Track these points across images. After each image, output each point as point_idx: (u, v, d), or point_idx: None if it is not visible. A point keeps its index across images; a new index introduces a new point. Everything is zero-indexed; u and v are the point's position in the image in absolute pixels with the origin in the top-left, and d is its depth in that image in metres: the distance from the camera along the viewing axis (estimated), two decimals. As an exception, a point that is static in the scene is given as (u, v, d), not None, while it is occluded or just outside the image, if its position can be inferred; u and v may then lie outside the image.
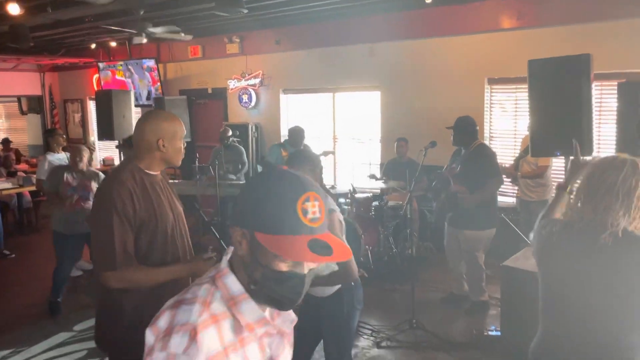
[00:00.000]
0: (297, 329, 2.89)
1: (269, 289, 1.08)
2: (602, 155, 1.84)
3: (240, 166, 7.10)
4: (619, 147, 3.60)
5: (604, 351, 1.69)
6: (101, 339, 2.34)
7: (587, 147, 3.18)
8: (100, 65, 10.02)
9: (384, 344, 4.20)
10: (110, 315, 2.26)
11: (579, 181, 1.87)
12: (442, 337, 4.22)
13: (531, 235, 2.01)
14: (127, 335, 2.19)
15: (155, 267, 2.17)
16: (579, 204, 1.77)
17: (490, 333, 4.20)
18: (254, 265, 1.08)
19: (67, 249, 4.94)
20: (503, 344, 3.72)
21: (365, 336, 4.36)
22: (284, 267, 1.06)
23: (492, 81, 6.49)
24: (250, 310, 1.10)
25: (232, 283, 1.11)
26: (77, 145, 5.12)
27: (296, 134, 6.15)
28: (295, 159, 2.78)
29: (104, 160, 10.68)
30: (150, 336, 1.09)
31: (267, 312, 1.17)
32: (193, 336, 1.03)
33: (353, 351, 4.10)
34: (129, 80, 9.69)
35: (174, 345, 1.02)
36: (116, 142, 6.24)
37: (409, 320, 4.39)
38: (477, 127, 4.73)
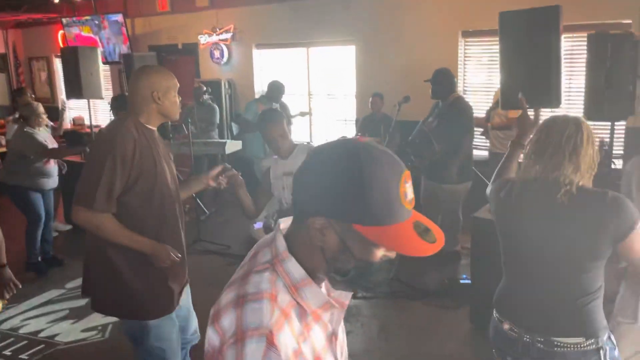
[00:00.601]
0: None
1: (362, 280, 1.00)
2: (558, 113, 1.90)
3: (211, 126, 7.01)
4: (588, 98, 3.65)
5: (560, 301, 1.77)
6: (90, 291, 2.37)
7: (555, 99, 3.22)
8: (64, 21, 9.64)
9: (359, 295, 4.32)
10: (99, 269, 2.29)
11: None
12: (416, 287, 4.37)
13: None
14: (116, 289, 2.26)
15: (125, 229, 2.17)
16: (531, 164, 1.83)
17: (461, 281, 4.36)
18: (343, 258, 0.97)
19: (37, 206, 4.91)
20: (473, 291, 3.86)
21: (342, 288, 4.48)
22: (379, 255, 0.97)
23: (466, 34, 6.46)
24: (314, 295, 1.02)
25: (294, 268, 1.00)
26: (31, 102, 5.11)
27: (276, 88, 6.05)
28: (272, 117, 2.89)
29: (74, 120, 10.43)
30: (214, 336, 0.99)
31: (323, 287, 1.07)
32: (271, 341, 0.92)
33: (330, 303, 4.23)
34: (97, 37, 9.37)
35: (250, 354, 0.91)
36: (84, 101, 6.09)
37: (383, 271, 4.51)
38: (455, 80, 4.75)
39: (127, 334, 2.41)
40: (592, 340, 1.73)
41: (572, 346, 1.72)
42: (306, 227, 0.98)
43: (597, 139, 1.83)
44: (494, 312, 1.94)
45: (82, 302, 4.28)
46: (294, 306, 1.00)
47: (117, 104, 5.04)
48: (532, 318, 1.80)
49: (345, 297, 1.09)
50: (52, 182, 5.02)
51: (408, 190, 0.94)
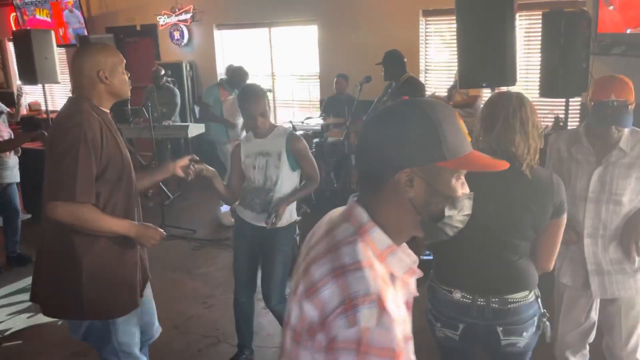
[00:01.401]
0: (246, 265, 3.06)
1: (454, 220, 1.06)
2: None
3: (173, 108, 6.87)
4: (543, 75, 3.73)
5: (507, 264, 1.90)
6: (41, 294, 2.19)
7: (511, 77, 3.29)
8: (15, 2, 9.25)
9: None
10: (59, 270, 2.11)
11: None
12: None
13: None
14: (79, 292, 2.08)
15: (106, 215, 2.06)
16: (481, 140, 1.90)
17: (424, 257, 4.45)
18: (435, 200, 1.04)
19: (13, 194, 4.72)
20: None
21: (308, 268, 4.52)
22: (461, 191, 1.06)
23: (427, 13, 6.49)
24: (398, 261, 1.06)
25: (379, 236, 1.04)
26: None
27: (240, 75, 5.91)
28: (253, 94, 2.83)
29: (30, 106, 10.09)
30: (311, 310, 0.99)
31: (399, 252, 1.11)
32: (382, 306, 0.94)
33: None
34: (55, 20, 9.03)
35: (364, 319, 0.92)
36: (39, 86, 5.89)
37: (349, 251, 4.58)
38: (405, 60, 4.79)
39: (89, 337, 2.25)
40: (533, 291, 1.92)
41: (521, 300, 1.88)
42: (389, 188, 1.04)
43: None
44: (437, 284, 2.00)
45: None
46: (386, 273, 1.04)
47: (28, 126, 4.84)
48: (484, 282, 1.90)
49: (414, 258, 1.13)
50: (10, 175, 4.65)
51: (463, 124, 1.06)
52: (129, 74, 2.22)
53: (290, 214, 2.99)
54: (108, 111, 2.20)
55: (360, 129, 4.86)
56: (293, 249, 3.12)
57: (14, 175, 4.69)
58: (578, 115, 5.34)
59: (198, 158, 2.52)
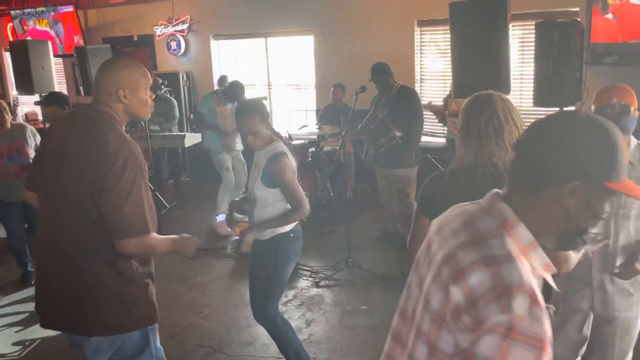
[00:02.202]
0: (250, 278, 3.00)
1: (589, 236, 1.12)
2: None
3: (171, 120, 6.88)
4: (537, 85, 3.76)
5: None
6: (80, 321, 2.06)
7: (505, 86, 3.32)
8: (13, 13, 9.29)
9: (322, 283, 4.38)
10: (101, 290, 2.02)
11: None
12: (377, 273, 4.45)
13: None
14: (121, 303, 2.04)
15: (157, 235, 2.03)
16: (462, 152, 1.86)
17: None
18: (587, 216, 1.09)
19: (12, 216, 4.45)
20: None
21: (305, 277, 4.52)
22: (606, 212, 1.11)
23: (422, 23, 6.55)
24: (538, 257, 1.11)
25: (524, 232, 1.10)
26: None
27: (236, 89, 5.92)
28: (246, 112, 2.77)
29: (26, 115, 10.09)
30: (458, 293, 1.04)
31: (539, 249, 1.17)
32: (534, 297, 1.00)
33: (292, 292, 4.26)
34: (52, 31, 9.07)
35: (517, 307, 0.97)
36: (36, 97, 5.91)
37: (345, 259, 4.58)
38: (391, 69, 4.83)
39: (124, 353, 2.14)
40: None
41: None
42: (549, 194, 1.07)
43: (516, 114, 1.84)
44: None
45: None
46: (530, 268, 1.09)
47: (46, 101, 4.43)
48: None
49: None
50: (11, 193, 4.27)
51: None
52: (152, 95, 2.13)
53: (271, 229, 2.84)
54: (122, 128, 2.11)
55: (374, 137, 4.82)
56: (282, 261, 2.88)
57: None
58: (572, 124, 5.37)
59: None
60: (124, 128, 2.09)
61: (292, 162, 2.80)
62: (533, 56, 3.73)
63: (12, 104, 5.94)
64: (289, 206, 2.80)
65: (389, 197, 5.02)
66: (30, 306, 4.22)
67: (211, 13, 7.94)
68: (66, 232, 2.02)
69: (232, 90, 5.80)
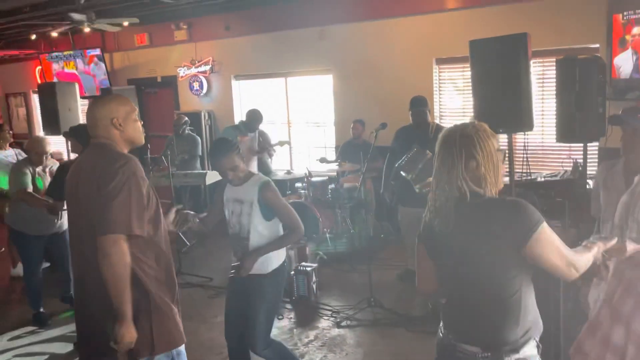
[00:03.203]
0: (235, 311, 3.04)
1: None
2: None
3: (194, 158, 6.96)
4: (559, 121, 3.73)
5: (486, 310, 1.82)
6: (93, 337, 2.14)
7: (527, 123, 3.30)
8: (42, 57, 9.63)
9: (343, 323, 4.29)
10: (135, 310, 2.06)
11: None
12: (400, 313, 4.35)
13: None
14: (155, 325, 2.13)
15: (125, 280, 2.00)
16: (435, 186, 1.86)
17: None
18: None
19: (33, 251, 4.45)
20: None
21: (326, 317, 4.44)
22: None
23: (440, 61, 6.60)
24: None
25: None
26: (37, 136, 4.61)
27: (253, 117, 6.01)
28: (222, 151, 2.84)
29: (52, 155, 10.31)
30: None
31: None
32: None
33: (313, 332, 4.19)
34: (80, 73, 9.36)
35: None
36: (61, 137, 6.04)
37: (367, 299, 4.49)
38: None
39: None
40: (490, 354, 1.78)
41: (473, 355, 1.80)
42: None
43: (494, 143, 1.80)
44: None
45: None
46: None
47: (73, 132, 4.41)
48: (457, 323, 1.89)
49: None
50: (44, 227, 4.39)
51: None
52: (142, 122, 2.29)
53: (269, 262, 2.93)
54: None
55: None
56: (280, 293, 3.09)
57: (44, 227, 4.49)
58: (597, 160, 5.30)
59: (181, 206, 2.65)
60: None
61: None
62: (553, 92, 3.73)
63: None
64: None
65: (415, 236, 4.85)
66: (51, 347, 4.21)
67: (232, 55, 8.13)
68: (89, 267, 2.07)
69: (252, 119, 5.89)
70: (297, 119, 8.05)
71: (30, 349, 4.19)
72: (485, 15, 5.99)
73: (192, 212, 2.75)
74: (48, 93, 5.90)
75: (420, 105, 4.61)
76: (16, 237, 4.47)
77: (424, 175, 4.29)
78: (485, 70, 3.40)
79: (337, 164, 6.40)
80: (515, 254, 1.72)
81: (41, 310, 4.56)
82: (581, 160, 4.11)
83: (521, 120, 3.26)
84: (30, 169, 4.35)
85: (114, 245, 1.95)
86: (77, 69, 9.36)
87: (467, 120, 6.02)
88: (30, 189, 4.29)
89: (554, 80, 3.72)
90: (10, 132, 6.32)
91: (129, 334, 2.02)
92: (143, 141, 2.29)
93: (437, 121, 6.68)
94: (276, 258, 2.97)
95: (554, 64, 3.73)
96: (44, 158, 4.41)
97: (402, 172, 4.19)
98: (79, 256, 2.17)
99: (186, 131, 7.07)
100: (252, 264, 2.84)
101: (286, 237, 2.95)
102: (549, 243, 1.72)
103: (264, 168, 6.75)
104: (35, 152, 4.39)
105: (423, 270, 2.03)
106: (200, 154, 7.13)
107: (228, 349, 3.16)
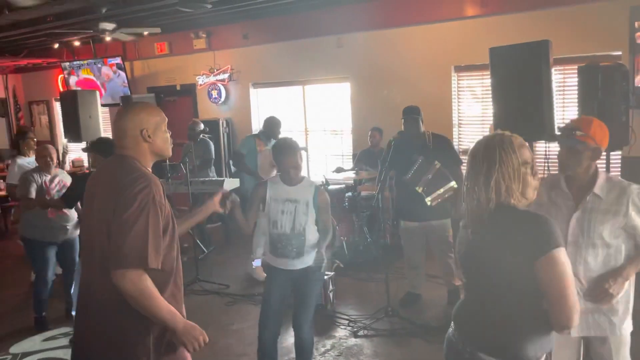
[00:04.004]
0: (278, 299, 3.28)
1: None
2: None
3: (207, 162, 6.98)
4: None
5: (508, 324, 1.79)
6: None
7: (549, 131, 3.25)
8: (64, 65, 9.81)
9: (360, 333, 4.25)
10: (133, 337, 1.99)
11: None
12: (418, 323, 4.29)
13: None
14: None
15: (164, 300, 1.94)
16: (465, 190, 1.87)
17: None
18: None
19: (44, 258, 4.48)
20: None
21: (342, 326, 4.40)
22: None
23: (459, 69, 6.56)
24: None
25: None
26: (42, 147, 4.65)
27: (273, 125, 6.02)
28: (282, 150, 3.12)
29: (73, 162, 10.48)
30: None
31: None
32: None
33: (330, 342, 4.16)
34: (99, 81, 9.51)
35: None
36: (84, 144, 6.12)
37: (384, 308, 4.45)
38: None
39: None
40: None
41: None
42: None
43: (524, 153, 1.79)
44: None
45: None
46: None
47: (94, 147, 4.37)
48: (477, 332, 1.87)
49: None
50: (52, 234, 4.47)
51: None
52: (170, 133, 2.20)
53: (317, 255, 3.20)
54: (150, 169, 2.15)
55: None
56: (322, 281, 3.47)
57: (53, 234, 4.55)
58: (619, 169, 5.20)
59: (227, 190, 2.72)
60: (150, 169, 2.12)
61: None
62: (575, 100, 3.67)
63: (61, 151, 6.14)
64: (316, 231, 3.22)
65: (420, 253, 4.73)
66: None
67: (251, 63, 8.19)
68: (96, 275, 2.03)
69: (271, 126, 5.91)
70: (315, 126, 8.06)
71: (48, 354, 4.22)
72: (505, 23, 5.94)
73: (236, 197, 2.73)
74: (69, 101, 5.98)
75: (414, 113, 4.48)
76: (28, 244, 4.53)
77: (434, 187, 4.18)
78: (505, 77, 3.36)
79: (355, 172, 6.38)
80: (533, 269, 1.70)
81: (43, 314, 4.63)
82: (603, 169, 4.03)
83: (542, 128, 3.22)
84: (37, 178, 4.43)
85: (130, 281, 1.86)
86: (97, 77, 9.51)
87: (485, 128, 5.97)
88: (32, 196, 4.37)
89: (575, 88, 3.66)
90: (35, 139, 6.41)
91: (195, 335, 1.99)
92: (170, 153, 2.20)
93: (455, 129, 6.65)
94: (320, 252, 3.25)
95: (575, 71, 3.67)
96: (50, 163, 4.48)
97: (416, 188, 4.09)
98: (87, 264, 2.11)
99: (202, 137, 7.07)
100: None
101: (324, 236, 3.22)
102: (561, 272, 1.67)
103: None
104: (40, 156, 4.52)
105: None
106: (212, 157, 7.12)
107: (261, 341, 3.25)
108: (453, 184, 4.14)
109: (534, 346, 1.77)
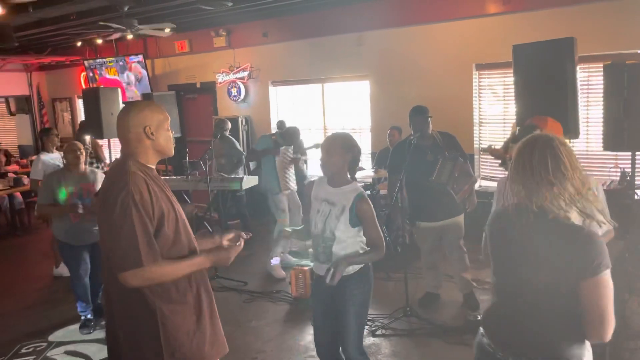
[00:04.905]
0: (322, 316, 3.00)
1: None
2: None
3: (235, 160, 6.99)
4: (606, 129, 3.61)
5: (544, 328, 1.75)
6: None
7: (574, 130, 3.20)
8: (86, 63, 9.95)
9: (379, 332, 4.23)
10: (146, 331, 2.04)
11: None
12: (436, 324, 4.26)
13: None
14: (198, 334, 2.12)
15: (176, 261, 2.04)
16: (510, 190, 1.79)
17: (479, 317, 4.23)
18: None
19: (78, 260, 4.43)
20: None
21: (360, 325, 4.38)
22: None
23: (480, 67, 6.49)
24: None
25: None
26: (71, 142, 4.55)
27: (292, 134, 6.02)
28: (329, 147, 2.87)
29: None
30: None
31: None
32: None
33: (348, 340, 4.13)
34: (121, 79, 9.62)
35: None
36: (105, 140, 6.21)
37: (403, 308, 4.42)
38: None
39: None
40: None
41: None
42: None
43: (575, 160, 1.73)
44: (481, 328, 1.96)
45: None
46: None
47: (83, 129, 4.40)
48: (510, 338, 1.82)
49: None
50: (80, 237, 4.38)
51: None
52: (173, 132, 2.22)
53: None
54: (154, 167, 2.18)
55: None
56: (368, 295, 2.95)
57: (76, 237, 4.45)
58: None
59: (242, 234, 2.45)
60: (154, 167, 2.16)
61: None
62: (599, 99, 3.60)
63: (86, 148, 6.15)
64: (362, 244, 2.88)
65: (435, 254, 4.69)
66: (88, 347, 4.30)
67: (270, 61, 8.20)
68: (109, 277, 2.09)
69: (289, 135, 5.93)
70: (334, 124, 8.04)
71: (68, 348, 4.29)
72: (528, 20, 5.85)
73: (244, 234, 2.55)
74: (92, 98, 6.08)
75: (422, 114, 4.42)
76: (61, 247, 4.53)
77: (461, 184, 4.17)
78: (529, 75, 3.31)
79: (373, 170, 6.35)
80: (573, 284, 1.67)
81: (88, 316, 4.58)
82: (629, 170, 3.96)
83: (567, 127, 3.16)
84: (59, 181, 4.32)
85: (135, 280, 1.95)
86: (119, 75, 9.62)
87: (507, 128, 5.86)
88: (49, 202, 4.31)
89: (600, 86, 3.60)
90: (59, 135, 6.50)
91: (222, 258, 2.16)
92: (173, 152, 2.21)
93: (476, 128, 6.58)
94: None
95: (600, 70, 3.61)
96: (79, 159, 4.36)
97: (447, 187, 4.05)
98: (105, 267, 2.15)
99: (226, 135, 7.07)
100: (343, 270, 2.77)
101: (370, 253, 2.86)
102: (606, 294, 1.65)
103: (299, 174, 6.76)
104: (68, 152, 4.38)
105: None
106: (244, 153, 7.13)
107: (318, 355, 3.11)
108: (474, 178, 4.13)
109: (579, 351, 1.73)
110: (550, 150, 1.70)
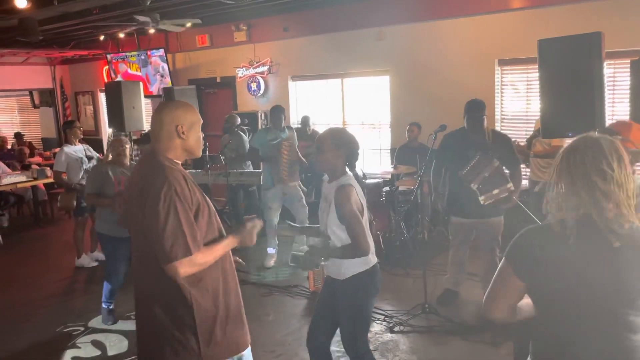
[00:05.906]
0: (316, 312, 2.95)
1: None
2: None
3: (242, 156, 6.98)
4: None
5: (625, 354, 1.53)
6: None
7: (600, 127, 3.13)
8: (109, 57, 10.05)
9: (397, 328, 4.21)
10: (182, 321, 2.11)
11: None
12: (455, 321, 4.23)
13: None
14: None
15: (212, 245, 2.14)
16: (561, 200, 1.57)
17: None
18: None
19: (115, 252, 4.42)
20: (515, 326, 3.70)
21: (378, 321, 4.37)
22: None
23: (503, 62, 6.40)
24: None
25: None
26: (119, 137, 4.69)
27: (275, 113, 5.80)
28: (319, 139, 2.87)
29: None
30: None
31: None
32: None
33: (366, 336, 4.12)
34: (142, 74, 9.71)
35: None
36: (126, 133, 6.25)
37: (421, 304, 4.39)
38: None
39: None
40: None
41: None
42: None
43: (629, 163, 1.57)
44: None
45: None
46: None
47: (144, 139, 4.61)
48: None
49: None
50: (120, 229, 4.21)
51: None
52: (204, 135, 2.29)
53: (343, 268, 2.78)
54: (180, 163, 2.22)
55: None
56: (361, 301, 2.83)
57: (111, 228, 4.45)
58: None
59: (254, 216, 2.44)
60: (179, 164, 2.21)
61: (359, 197, 2.75)
62: (625, 95, 3.53)
63: (108, 141, 6.25)
64: None
65: (465, 249, 4.63)
66: (109, 338, 4.36)
67: (290, 56, 8.20)
68: (141, 269, 2.19)
69: (274, 114, 5.77)
70: (353, 120, 8.02)
71: (109, 337, 4.35)
72: (552, 15, 5.75)
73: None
74: (114, 92, 6.13)
75: (479, 111, 4.28)
76: (100, 238, 4.57)
77: (490, 186, 4.02)
78: (554, 71, 3.25)
79: (394, 166, 6.32)
80: None
81: (111, 307, 4.57)
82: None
83: (593, 124, 3.10)
84: (108, 172, 4.44)
85: (184, 270, 2.03)
86: (140, 69, 9.71)
87: (530, 125, 5.71)
88: (95, 192, 4.44)
89: (626, 83, 3.53)
90: (81, 128, 6.57)
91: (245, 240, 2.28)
92: (200, 154, 2.29)
93: (498, 125, 6.49)
94: (351, 265, 2.76)
95: (627, 66, 3.53)
96: (124, 157, 4.53)
97: (471, 184, 3.97)
98: (136, 259, 2.23)
99: (237, 130, 7.05)
100: (310, 263, 2.80)
101: (344, 249, 2.71)
102: None
103: (315, 170, 6.72)
104: (114, 151, 4.55)
105: (503, 296, 1.71)
106: (246, 151, 7.11)
107: (308, 352, 3.08)
108: (510, 185, 3.98)
109: None
110: (603, 154, 1.52)
